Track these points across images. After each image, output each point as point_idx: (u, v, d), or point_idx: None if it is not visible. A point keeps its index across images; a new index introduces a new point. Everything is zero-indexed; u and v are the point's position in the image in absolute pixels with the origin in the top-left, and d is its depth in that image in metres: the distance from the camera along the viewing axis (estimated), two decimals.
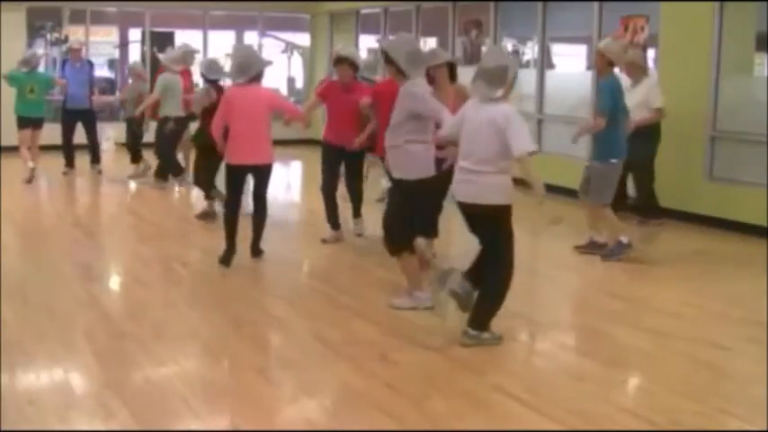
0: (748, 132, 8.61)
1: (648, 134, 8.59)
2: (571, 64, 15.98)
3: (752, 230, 8.22)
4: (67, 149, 11.82)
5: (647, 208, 8.88)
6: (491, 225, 5.03)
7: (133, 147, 11.53)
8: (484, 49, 12.67)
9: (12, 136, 13.33)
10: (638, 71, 8.70)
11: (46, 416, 3.97)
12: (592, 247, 7.48)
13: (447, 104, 5.72)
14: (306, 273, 7.03)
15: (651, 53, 10.16)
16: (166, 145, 10.52)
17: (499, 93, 4.92)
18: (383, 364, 4.70)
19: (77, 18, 15.27)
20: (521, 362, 5.05)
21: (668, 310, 5.97)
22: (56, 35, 15.44)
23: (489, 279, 5.09)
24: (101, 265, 7.21)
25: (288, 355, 4.94)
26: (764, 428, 3.94)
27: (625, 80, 8.66)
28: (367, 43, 15.80)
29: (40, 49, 15.32)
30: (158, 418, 3.99)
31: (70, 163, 11.79)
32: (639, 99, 8.56)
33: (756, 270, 7.05)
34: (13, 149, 13.06)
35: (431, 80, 6.01)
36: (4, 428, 3.78)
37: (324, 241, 7.63)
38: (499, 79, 4.91)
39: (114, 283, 6.91)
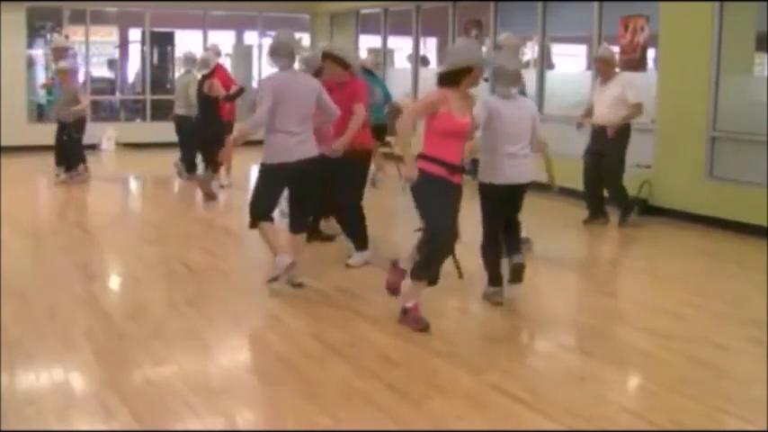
0: (748, 132, 8.61)
1: (620, 131, 8.53)
2: (571, 64, 15.98)
3: (752, 230, 8.22)
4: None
5: (620, 206, 8.77)
6: (523, 197, 5.96)
7: (61, 149, 11.04)
8: (484, 49, 12.68)
9: (11, 136, 13.41)
10: (608, 69, 8.67)
11: (46, 416, 3.96)
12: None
13: (465, 112, 5.42)
14: (306, 273, 7.01)
15: (651, 53, 10.16)
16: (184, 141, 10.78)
17: (515, 90, 5.82)
18: (383, 365, 4.70)
19: (77, 18, 15.28)
20: (521, 362, 5.04)
21: (668, 310, 5.97)
22: (56, 35, 15.41)
23: (516, 241, 5.94)
24: (101, 265, 7.20)
25: (288, 355, 4.94)
26: (764, 428, 3.94)
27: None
28: (367, 43, 15.82)
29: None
30: (158, 418, 3.99)
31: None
32: (614, 96, 8.50)
33: (756, 270, 7.05)
34: (13, 149, 13.10)
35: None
36: (3, 429, 3.78)
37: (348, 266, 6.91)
38: (517, 80, 5.82)
39: (114, 283, 6.91)
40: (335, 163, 6.59)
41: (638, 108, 8.50)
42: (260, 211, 6.08)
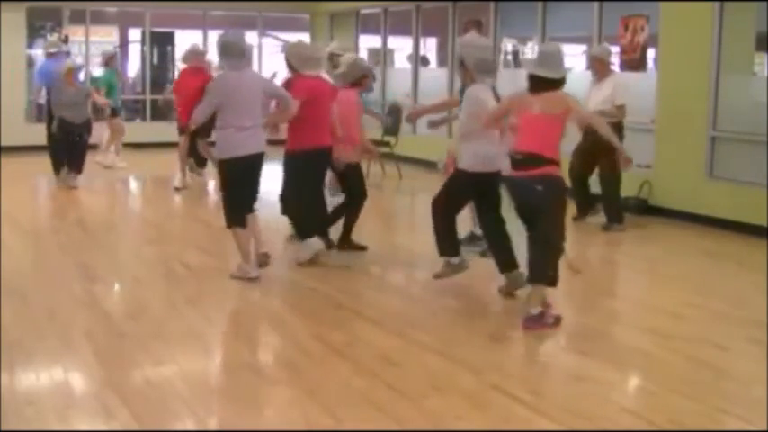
0: (748, 132, 8.61)
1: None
2: (571, 64, 15.97)
3: (752, 230, 8.22)
4: (57, 155, 11.04)
5: (612, 211, 8.62)
6: None
7: (64, 152, 10.72)
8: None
9: (11, 136, 13.41)
10: (603, 67, 8.64)
11: (46, 416, 3.96)
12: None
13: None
14: (306, 273, 7.01)
15: (651, 53, 10.16)
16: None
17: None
18: (383, 365, 4.70)
19: (77, 18, 15.28)
20: (521, 362, 5.05)
21: (668, 310, 5.97)
22: (56, 35, 15.42)
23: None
24: (101, 265, 7.20)
25: (288, 355, 4.94)
26: (764, 428, 3.93)
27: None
28: (367, 43, 15.83)
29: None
30: (158, 418, 3.99)
31: (57, 170, 11.04)
32: (604, 96, 8.44)
33: (756, 270, 7.05)
34: (12, 149, 13.10)
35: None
36: (3, 429, 3.78)
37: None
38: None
39: (114, 283, 6.90)
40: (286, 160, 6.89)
41: (621, 110, 8.39)
42: (234, 215, 6.33)
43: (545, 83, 5.32)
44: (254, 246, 6.54)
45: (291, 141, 6.82)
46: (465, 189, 6.04)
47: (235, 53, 6.22)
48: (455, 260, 6.14)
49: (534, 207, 5.33)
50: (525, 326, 5.34)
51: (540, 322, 5.35)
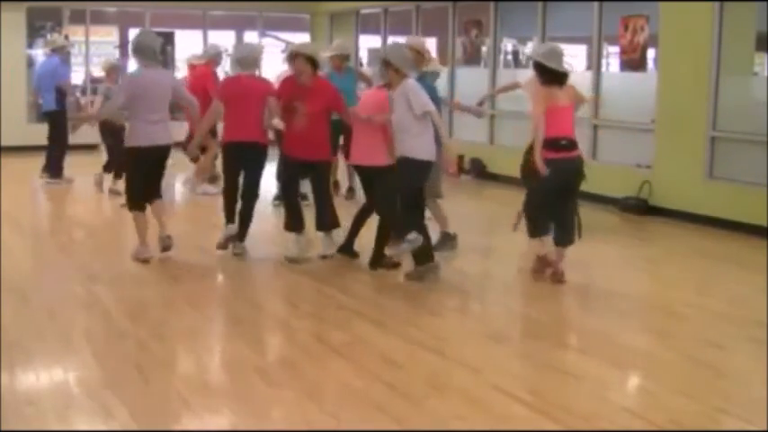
0: (748, 132, 8.61)
1: None
2: (571, 64, 15.96)
3: (752, 230, 8.22)
4: (50, 157, 10.95)
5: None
6: None
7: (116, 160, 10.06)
8: (484, 49, 12.68)
9: (11, 136, 13.41)
10: None
11: (46, 416, 3.97)
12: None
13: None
14: (306, 273, 7.02)
15: (651, 53, 10.16)
16: None
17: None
18: (383, 365, 4.71)
19: (77, 18, 15.28)
20: (521, 362, 5.04)
21: (668, 310, 5.97)
22: (56, 35, 15.41)
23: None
24: (101, 266, 7.20)
25: (288, 355, 4.94)
26: (764, 428, 3.94)
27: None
28: (367, 43, 15.83)
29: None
30: (158, 418, 3.99)
31: (59, 171, 10.95)
32: None
33: (756, 270, 7.05)
34: (13, 149, 13.10)
35: None
36: (3, 429, 3.78)
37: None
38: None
39: (114, 283, 6.90)
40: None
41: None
42: (136, 198, 6.97)
43: (564, 77, 6.28)
44: (158, 229, 7.05)
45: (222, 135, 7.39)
46: (424, 178, 6.39)
47: (148, 54, 6.80)
48: (433, 263, 6.40)
49: (576, 183, 6.29)
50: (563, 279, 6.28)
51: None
